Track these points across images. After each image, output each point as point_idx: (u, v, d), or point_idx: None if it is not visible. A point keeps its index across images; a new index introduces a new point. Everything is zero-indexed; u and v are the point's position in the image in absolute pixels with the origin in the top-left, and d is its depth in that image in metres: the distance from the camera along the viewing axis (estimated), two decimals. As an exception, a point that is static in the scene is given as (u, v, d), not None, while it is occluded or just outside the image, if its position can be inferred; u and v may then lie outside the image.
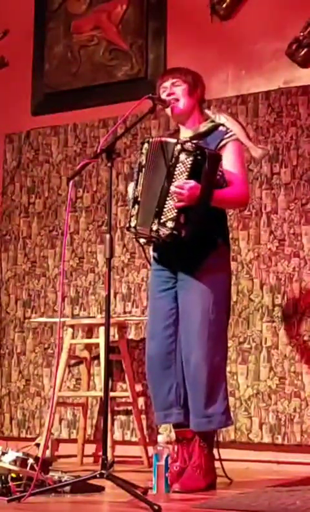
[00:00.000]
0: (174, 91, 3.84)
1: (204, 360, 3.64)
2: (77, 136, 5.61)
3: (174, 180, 3.56)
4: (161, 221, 3.58)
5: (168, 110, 3.87)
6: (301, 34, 4.93)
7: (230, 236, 4.78)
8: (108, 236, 3.42)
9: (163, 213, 3.58)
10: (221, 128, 3.83)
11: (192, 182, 3.52)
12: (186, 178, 3.54)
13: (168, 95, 3.84)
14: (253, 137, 4.96)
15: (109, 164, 3.47)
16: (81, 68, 5.69)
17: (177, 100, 3.83)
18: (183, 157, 3.55)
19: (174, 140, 3.63)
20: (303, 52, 4.95)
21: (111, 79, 5.57)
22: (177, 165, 3.56)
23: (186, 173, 3.54)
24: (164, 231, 3.57)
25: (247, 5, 5.18)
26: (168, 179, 3.58)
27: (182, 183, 3.53)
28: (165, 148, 3.63)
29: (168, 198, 3.57)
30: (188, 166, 3.54)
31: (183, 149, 3.55)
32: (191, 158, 3.54)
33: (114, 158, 3.47)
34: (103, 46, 5.63)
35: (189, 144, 3.56)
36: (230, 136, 3.81)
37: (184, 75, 3.86)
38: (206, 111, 3.95)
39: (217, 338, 3.70)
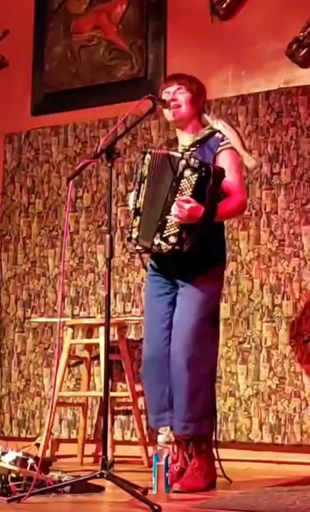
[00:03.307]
0: (177, 97, 3.84)
1: (187, 367, 3.64)
2: (77, 136, 5.60)
3: (177, 195, 3.56)
4: (164, 235, 3.59)
5: (167, 114, 3.86)
6: (301, 34, 4.93)
7: (230, 236, 4.81)
8: (108, 236, 3.42)
9: (166, 228, 3.59)
10: (217, 134, 3.83)
11: (193, 203, 3.52)
12: (190, 195, 3.53)
13: (171, 100, 3.83)
14: (252, 141, 4.96)
15: (109, 164, 3.47)
16: (81, 68, 5.69)
17: (179, 106, 3.83)
18: (187, 173, 3.54)
19: (178, 155, 3.62)
20: (303, 52, 4.95)
21: (111, 79, 5.56)
22: (182, 180, 3.56)
23: (191, 190, 3.54)
24: (166, 246, 3.58)
25: (247, 5, 5.17)
26: (171, 194, 3.58)
27: (182, 202, 3.52)
28: (169, 162, 3.63)
29: (171, 213, 3.57)
30: (193, 182, 3.54)
31: (188, 166, 3.54)
32: (196, 175, 3.53)
33: (114, 158, 3.47)
34: (103, 46, 5.62)
35: (194, 160, 3.55)
36: (226, 144, 3.80)
37: (189, 84, 3.86)
38: (205, 116, 3.94)
39: (204, 347, 3.69)
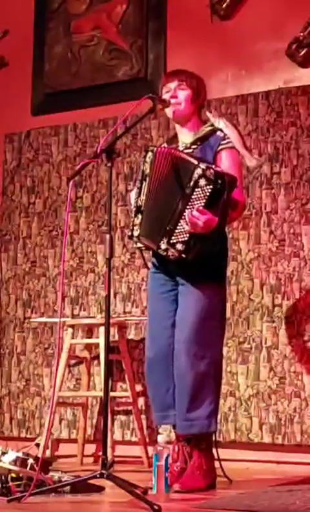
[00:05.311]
0: (178, 94, 3.82)
1: (190, 364, 3.64)
2: (77, 136, 5.60)
3: (190, 203, 3.52)
4: (171, 241, 3.57)
5: (168, 111, 3.85)
6: (301, 34, 4.93)
7: (230, 236, 4.81)
8: (108, 236, 3.42)
9: (174, 234, 3.57)
10: (218, 133, 3.81)
11: (208, 215, 3.49)
12: (203, 206, 3.49)
13: (171, 97, 3.82)
14: (252, 141, 4.96)
15: (109, 164, 3.46)
16: (81, 68, 5.69)
17: (179, 104, 3.82)
18: (202, 182, 3.50)
19: (194, 161, 3.56)
20: (303, 52, 4.95)
21: (111, 79, 5.56)
22: (196, 189, 3.51)
23: (204, 200, 3.50)
24: (173, 252, 3.57)
25: (247, 5, 5.17)
26: (183, 201, 3.54)
27: (198, 213, 3.48)
28: (181, 165, 3.60)
29: (181, 221, 3.55)
30: (207, 193, 3.49)
31: (203, 175, 3.49)
32: (211, 187, 3.49)
33: (114, 158, 3.46)
34: (103, 46, 5.62)
35: (210, 171, 3.49)
36: (227, 143, 3.79)
37: (190, 80, 3.84)
38: (207, 113, 3.93)
39: (206, 345, 3.68)
